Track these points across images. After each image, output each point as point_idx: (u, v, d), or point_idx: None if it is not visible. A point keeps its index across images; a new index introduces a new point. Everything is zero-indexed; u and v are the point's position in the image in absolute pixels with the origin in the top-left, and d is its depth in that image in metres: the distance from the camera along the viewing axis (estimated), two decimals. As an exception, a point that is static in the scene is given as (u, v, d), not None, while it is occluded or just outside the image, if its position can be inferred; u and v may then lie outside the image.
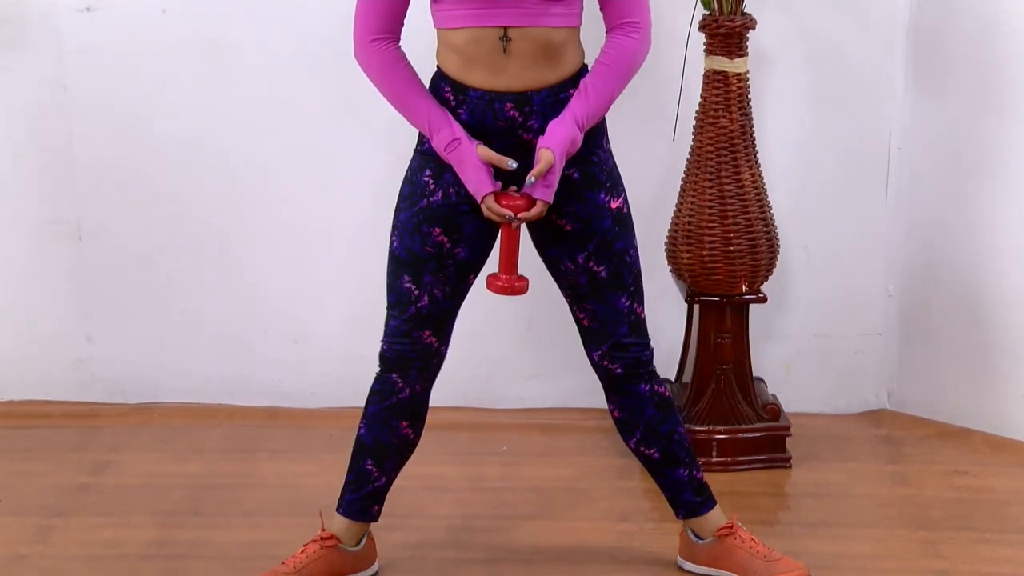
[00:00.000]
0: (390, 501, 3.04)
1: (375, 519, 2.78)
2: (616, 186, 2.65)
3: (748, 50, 3.16)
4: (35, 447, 3.47)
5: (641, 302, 2.69)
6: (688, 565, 2.83)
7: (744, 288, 3.23)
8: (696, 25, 3.17)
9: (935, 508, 3.10)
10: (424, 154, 2.61)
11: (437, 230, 2.60)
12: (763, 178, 3.23)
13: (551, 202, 2.53)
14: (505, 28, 2.49)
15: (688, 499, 2.78)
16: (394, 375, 2.68)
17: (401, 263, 2.64)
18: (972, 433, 3.46)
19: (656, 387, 2.72)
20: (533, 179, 2.49)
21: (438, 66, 2.59)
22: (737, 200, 3.17)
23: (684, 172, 3.26)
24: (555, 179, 2.51)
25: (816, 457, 3.35)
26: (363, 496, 2.75)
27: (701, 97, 3.20)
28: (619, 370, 2.68)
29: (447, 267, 2.62)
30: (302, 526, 2.86)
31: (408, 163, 2.65)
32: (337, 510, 2.77)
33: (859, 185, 3.50)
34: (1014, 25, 3.27)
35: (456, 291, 2.65)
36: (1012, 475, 3.28)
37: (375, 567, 2.83)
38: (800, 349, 3.58)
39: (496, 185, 2.52)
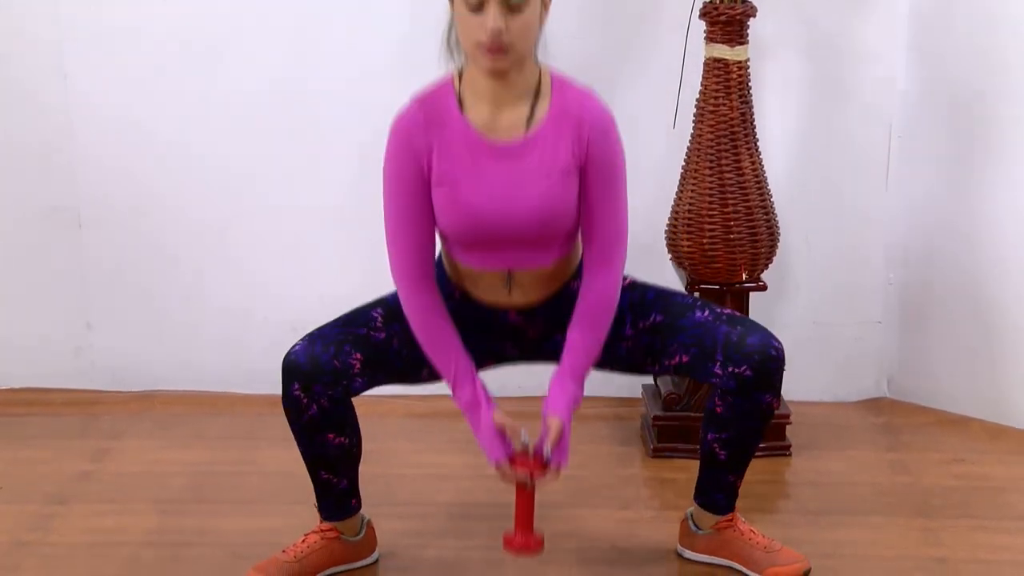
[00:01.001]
0: (391, 490, 3.05)
1: (356, 511, 2.76)
2: None
3: (749, 38, 3.16)
4: (35, 435, 3.48)
5: (722, 308, 2.62)
6: (688, 553, 2.83)
7: (744, 276, 3.23)
8: (697, 13, 3.16)
9: (934, 496, 3.11)
10: None
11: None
12: (763, 166, 3.23)
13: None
14: (508, 269, 2.52)
15: (716, 497, 2.76)
16: (295, 387, 2.51)
17: (383, 303, 2.61)
18: (971, 421, 3.47)
19: (774, 400, 2.61)
20: (549, 450, 2.49)
21: (444, 266, 2.60)
22: (737, 188, 3.17)
23: (684, 160, 3.26)
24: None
25: (816, 445, 3.36)
26: (334, 499, 2.72)
27: (701, 85, 3.20)
28: (749, 372, 2.53)
29: None
30: (303, 514, 2.86)
31: None
32: (319, 514, 2.75)
33: (859, 173, 3.50)
34: (1014, 11, 3.27)
35: (410, 360, 2.58)
36: (1011, 463, 3.28)
37: (375, 555, 2.83)
38: (800, 337, 3.58)
39: (510, 449, 2.52)
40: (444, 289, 2.58)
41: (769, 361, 2.55)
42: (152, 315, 3.64)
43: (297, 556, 2.71)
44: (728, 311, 2.62)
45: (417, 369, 2.61)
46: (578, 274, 2.58)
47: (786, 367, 3.49)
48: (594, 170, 2.47)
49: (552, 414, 2.52)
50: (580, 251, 2.60)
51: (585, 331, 2.54)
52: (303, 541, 2.74)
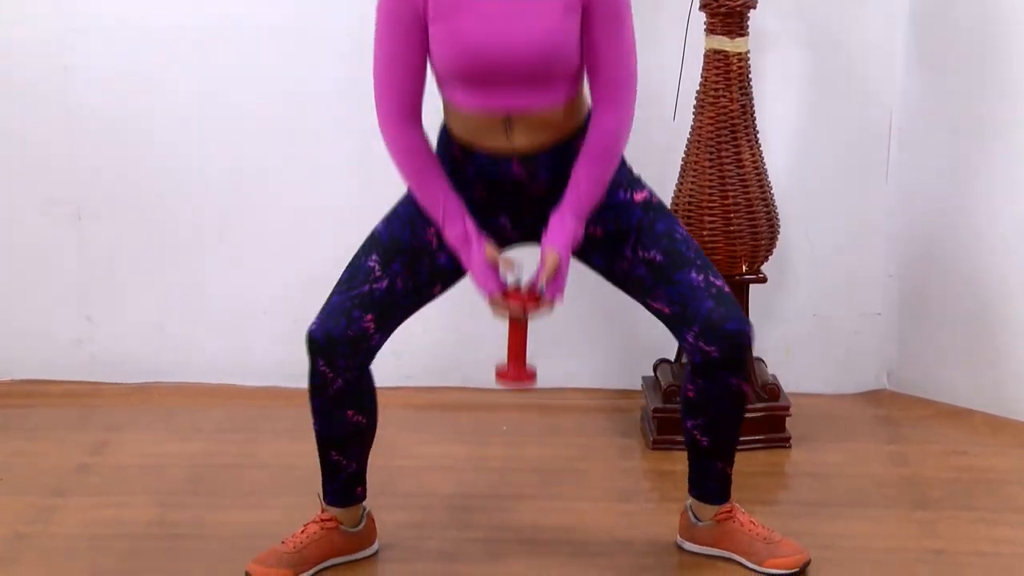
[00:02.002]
0: (392, 481, 3.05)
1: (361, 499, 2.77)
2: (635, 183, 2.65)
3: (749, 30, 3.15)
4: (35, 427, 3.48)
5: (717, 276, 2.60)
6: (688, 545, 2.83)
7: (744, 268, 3.23)
8: (697, 4, 3.16)
9: (933, 488, 3.11)
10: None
11: (432, 230, 2.58)
12: (763, 158, 3.23)
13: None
14: (507, 112, 2.50)
15: (709, 487, 2.77)
16: (320, 363, 2.57)
17: (377, 244, 2.61)
18: (971, 413, 3.47)
19: (743, 384, 2.63)
20: (544, 283, 2.49)
21: (445, 124, 2.59)
22: (737, 180, 3.17)
23: (684, 152, 3.26)
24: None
25: (815, 437, 3.36)
26: (341, 484, 2.73)
27: (701, 77, 3.19)
28: (716, 353, 2.56)
29: (422, 264, 2.60)
30: (302, 506, 2.86)
31: None
32: (323, 500, 2.76)
33: (859, 165, 3.50)
34: (1014, 3, 3.27)
35: (418, 291, 2.60)
36: (1011, 455, 3.28)
37: (375, 547, 2.83)
38: (800, 330, 3.58)
39: (502, 284, 2.52)
40: (445, 151, 2.57)
41: (737, 348, 2.57)
42: (152, 308, 3.64)
43: (296, 547, 2.71)
44: (720, 283, 2.60)
45: (428, 289, 2.62)
46: (583, 130, 2.56)
47: (786, 359, 3.54)
48: (598, 8, 2.47)
49: (550, 247, 2.51)
50: (585, 104, 2.58)
51: (590, 168, 2.53)
52: (302, 531, 2.74)
